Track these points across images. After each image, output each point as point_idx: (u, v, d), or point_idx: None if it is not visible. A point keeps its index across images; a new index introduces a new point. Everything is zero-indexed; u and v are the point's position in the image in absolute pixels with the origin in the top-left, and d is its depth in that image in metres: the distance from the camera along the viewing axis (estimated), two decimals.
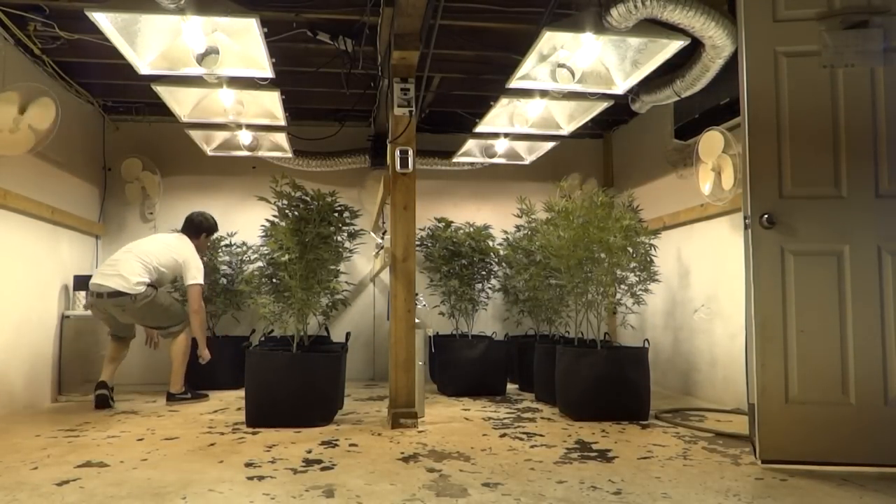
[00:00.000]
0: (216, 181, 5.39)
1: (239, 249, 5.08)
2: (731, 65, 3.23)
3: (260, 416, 3.42)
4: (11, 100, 3.42)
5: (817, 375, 2.55)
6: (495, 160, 5.23)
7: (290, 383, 3.42)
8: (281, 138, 4.74)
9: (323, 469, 2.56)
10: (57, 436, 3.20)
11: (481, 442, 3.05)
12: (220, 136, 4.82)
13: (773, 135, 2.63)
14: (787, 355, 2.57)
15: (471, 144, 5.02)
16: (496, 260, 4.95)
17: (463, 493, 2.23)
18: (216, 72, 3.26)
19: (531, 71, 3.40)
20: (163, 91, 3.78)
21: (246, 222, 5.18)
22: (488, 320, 5.48)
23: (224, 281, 4.96)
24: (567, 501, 2.14)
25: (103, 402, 3.98)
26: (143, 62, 3.23)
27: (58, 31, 3.62)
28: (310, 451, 2.85)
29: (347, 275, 4.75)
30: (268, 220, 3.70)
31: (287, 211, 3.57)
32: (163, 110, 4.27)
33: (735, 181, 3.66)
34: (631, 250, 3.81)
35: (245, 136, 4.71)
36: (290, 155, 5.04)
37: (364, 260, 5.45)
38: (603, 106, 3.95)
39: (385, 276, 4.95)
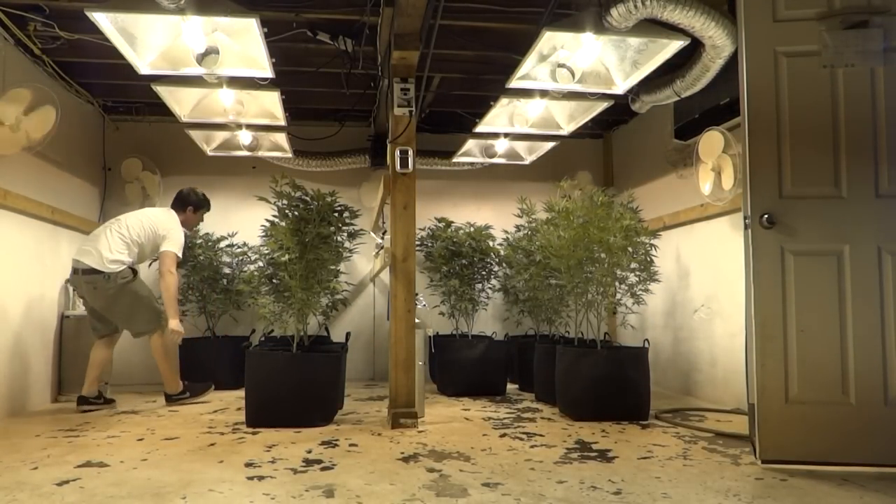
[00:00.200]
0: (216, 181, 5.39)
1: (239, 249, 5.08)
2: (731, 65, 3.23)
3: (260, 416, 3.42)
4: (22, 98, 3.42)
5: (817, 375, 2.55)
6: (495, 160, 5.23)
7: (290, 383, 3.42)
8: (281, 138, 4.73)
9: (323, 469, 2.56)
10: (57, 436, 3.20)
11: (481, 442, 3.05)
12: (220, 136, 4.82)
13: (773, 135, 2.63)
14: (787, 355, 2.57)
15: (471, 144, 5.02)
16: (496, 260, 4.95)
17: (463, 493, 2.23)
18: (216, 72, 3.26)
19: (531, 71, 3.40)
20: (163, 91, 3.78)
21: (246, 222, 5.17)
22: (488, 320, 5.48)
23: (224, 281, 4.96)
24: (567, 501, 2.14)
25: (89, 409, 3.91)
26: (143, 62, 3.23)
27: (58, 31, 3.62)
28: (310, 451, 2.85)
29: (347, 275, 4.75)
30: (268, 220, 3.70)
31: (287, 211, 3.57)
32: (163, 110, 4.27)
33: (735, 181, 3.66)
34: (631, 250, 3.81)
35: (245, 136, 4.71)
36: (290, 155, 5.04)
37: (364, 260, 5.45)
38: (603, 106, 3.95)
39: (385, 276, 4.95)
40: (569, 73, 3.37)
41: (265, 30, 2.96)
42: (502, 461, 2.68)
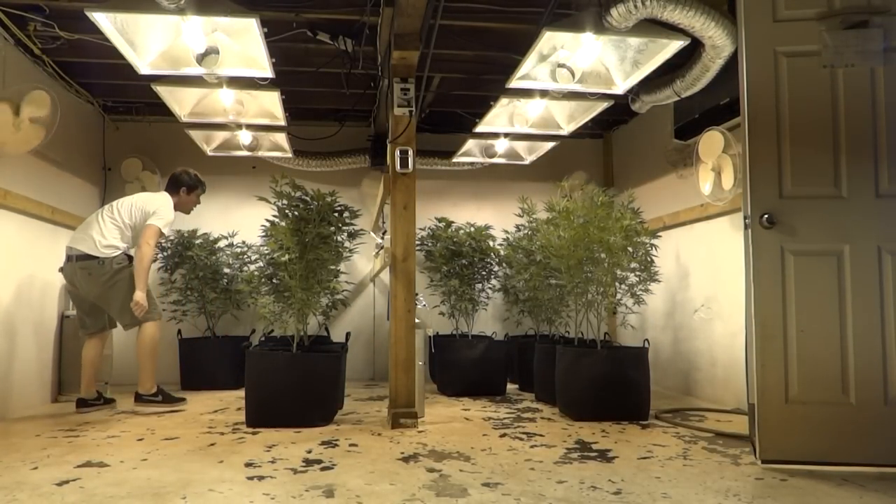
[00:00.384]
0: (216, 181, 5.38)
1: (238, 249, 5.08)
2: (731, 65, 3.23)
3: (260, 416, 3.42)
4: (4, 107, 3.42)
5: (817, 375, 2.55)
6: (495, 160, 5.23)
7: (290, 383, 3.42)
8: (281, 138, 4.74)
9: (323, 469, 2.56)
10: (57, 436, 3.20)
11: (481, 442, 3.05)
12: (220, 136, 4.82)
13: (773, 135, 2.63)
14: (787, 355, 2.57)
15: (471, 144, 5.02)
16: (496, 260, 4.95)
17: (463, 493, 2.23)
18: (216, 72, 3.26)
19: (531, 71, 3.40)
20: (163, 91, 3.78)
21: (246, 222, 5.18)
22: (488, 320, 5.48)
23: (224, 281, 4.96)
24: (567, 501, 2.14)
25: (88, 410, 3.86)
26: (143, 62, 3.23)
27: (58, 31, 3.62)
28: (310, 451, 2.85)
29: (347, 275, 4.75)
30: (268, 220, 3.70)
31: (287, 211, 3.57)
32: (163, 110, 4.27)
33: (735, 181, 3.66)
34: (631, 250, 3.81)
35: (245, 136, 4.71)
36: (290, 155, 5.04)
37: (364, 260, 5.45)
38: (603, 106, 3.95)
39: (385, 276, 4.96)
40: (569, 73, 3.37)
41: (265, 30, 2.96)
42: (502, 461, 2.68)
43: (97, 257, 3.79)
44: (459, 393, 4.58)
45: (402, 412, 3.38)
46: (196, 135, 4.66)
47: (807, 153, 2.61)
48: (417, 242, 4.16)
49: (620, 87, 3.53)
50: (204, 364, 4.83)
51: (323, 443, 3.03)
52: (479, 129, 4.57)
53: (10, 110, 3.40)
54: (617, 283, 3.91)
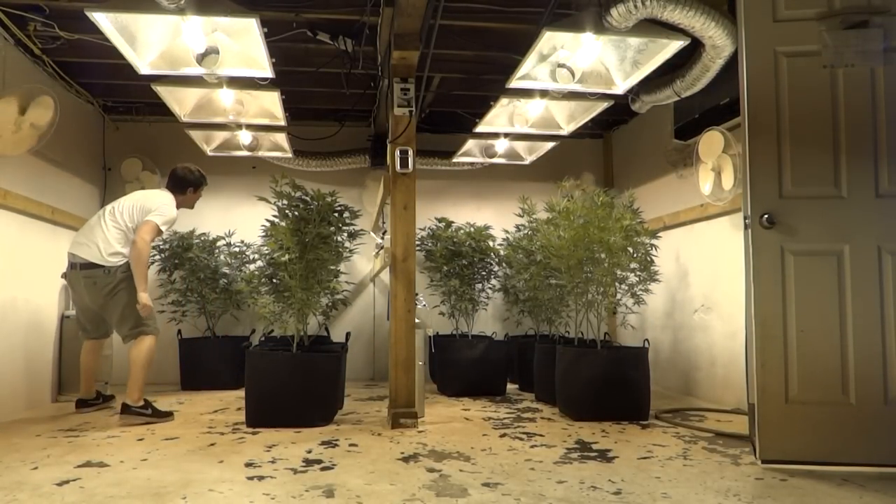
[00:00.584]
0: (216, 181, 5.37)
1: (236, 248, 5.08)
2: (731, 65, 3.23)
3: (260, 416, 3.42)
4: (10, 103, 3.43)
5: (817, 375, 2.55)
6: (495, 160, 5.23)
7: (290, 383, 3.42)
8: (281, 138, 4.74)
9: (323, 469, 2.56)
10: (57, 436, 3.20)
11: (481, 442, 3.05)
12: (220, 136, 4.82)
13: (773, 135, 2.63)
14: (787, 355, 2.57)
15: (471, 144, 5.03)
16: (496, 260, 4.95)
17: (463, 493, 2.23)
18: (216, 72, 3.26)
19: (531, 71, 3.40)
20: (163, 91, 3.78)
21: (246, 222, 5.18)
22: (488, 320, 5.48)
23: (223, 281, 4.96)
24: (567, 501, 2.14)
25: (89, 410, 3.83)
26: (143, 62, 3.23)
27: (58, 31, 3.62)
28: (310, 451, 2.85)
29: (347, 275, 4.75)
30: (268, 220, 3.70)
31: (287, 211, 3.57)
32: (163, 110, 4.27)
33: (735, 181, 3.66)
34: (631, 250, 3.81)
35: (245, 136, 4.71)
36: (290, 155, 5.04)
37: (364, 260, 5.45)
38: (603, 106, 3.95)
39: (385, 276, 4.95)
40: (569, 73, 3.37)
41: (265, 30, 2.96)
42: (502, 461, 2.68)
43: (102, 266, 3.63)
44: (459, 393, 4.58)
45: (402, 412, 3.38)
46: (196, 135, 4.66)
47: (807, 153, 2.61)
48: (417, 242, 4.16)
49: (620, 87, 3.53)
50: (204, 364, 4.82)
51: (323, 443, 3.03)
52: (479, 129, 4.57)
53: (17, 109, 3.40)
54: (617, 283, 3.91)
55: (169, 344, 4.88)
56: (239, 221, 5.25)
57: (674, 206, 4.75)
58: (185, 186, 4.03)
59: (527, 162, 5.28)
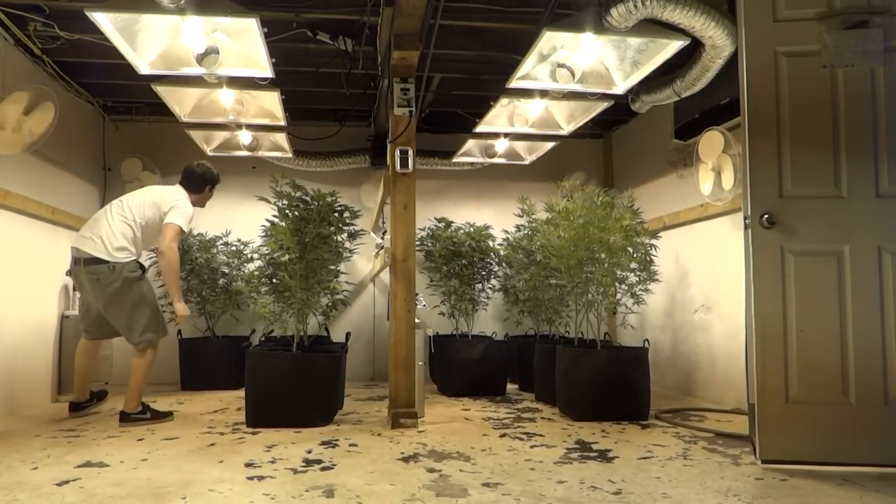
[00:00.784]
0: None
1: (234, 247, 5.07)
2: (731, 65, 3.23)
3: (260, 416, 3.42)
4: (21, 100, 3.42)
5: (817, 375, 2.55)
6: (495, 160, 5.23)
7: (290, 383, 3.42)
8: (281, 138, 4.74)
9: (323, 469, 2.56)
10: (57, 436, 3.20)
11: (481, 442, 3.05)
12: (220, 136, 4.82)
13: (773, 135, 2.63)
14: (787, 355, 2.57)
15: (471, 144, 5.03)
16: (496, 260, 4.95)
17: (463, 493, 2.23)
18: (216, 72, 3.26)
19: (531, 71, 3.40)
20: (163, 91, 3.78)
21: (246, 222, 5.18)
22: (488, 320, 5.48)
23: (222, 281, 4.95)
24: (567, 501, 2.14)
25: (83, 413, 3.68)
26: (143, 62, 3.23)
27: (58, 31, 3.62)
28: (310, 451, 2.85)
29: (347, 275, 4.75)
30: (268, 220, 3.70)
31: (287, 211, 3.57)
32: (163, 110, 4.27)
33: (735, 181, 3.66)
34: (631, 250, 3.81)
35: (245, 136, 4.71)
36: (290, 155, 5.04)
37: (364, 260, 5.45)
38: (603, 106, 3.95)
39: (385, 276, 4.96)
40: (569, 73, 3.37)
41: (265, 30, 2.96)
42: (502, 461, 2.68)
43: (107, 262, 3.46)
44: (459, 393, 4.58)
45: (402, 412, 3.38)
46: (196, 135, 4.66)
47: (807, 153, 2.61)
48: (417, 242, 4.15)
49: (620, 87, 3.53)
50: (204, 364, 4.82)
51: (323, 443, 3.03)
52: (479, 129, 4.57)
53: (22, 108, 3.40)
54: (617, 283, 3.91)
55: (169, 344, 4.87)
56: (239, 221, 5.25)
57: (674, 206, 4.75)
58: (204, 184, 3.90)
59: (527, 162, 5.28)
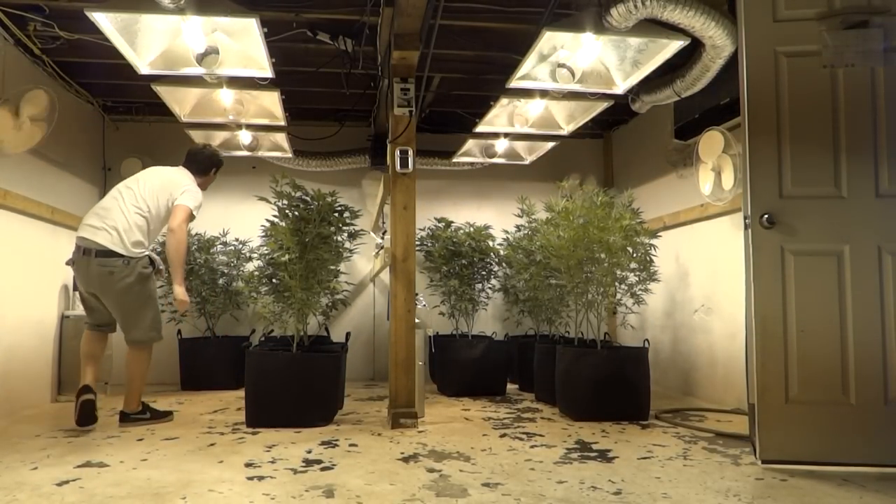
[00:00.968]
0: (216, 181, 5.37)
1: (233, 248, 5.07)
2: (731, 65, 3.23)
3: (260, 416, 3.42)
4: (7, 108, 3.43)
5: (817, 375, 2.55)
6: (495, 160, 5.23)
7: (290, 383, 3.42)
8: (281, 138, 4.74)
9: (323, 469, 2.55)
10: (57, 436, 3.20)
11: (481, 442, 3.05)
12: (220, 136, 4.82)
13: (773, 135, 2.63)
14: (787, 355, 2.57)
15: (471, 144, 5.03)
16: (496, 260, 4.95)
17: (463, 493, 2.23)
18: (216, 72, 3.26)
19: (531, 71, 3.40)
20: (163, 91, 3.78)
21: (246, 222, 5.17)
22: (488, 320, 5.48)
23: (221, 281, 4.95)
24: (567, 501, 2.14)
25: (89, 413, 3.25)
26: (143, 62, 3.23)
27: (58, 31, 3.62)
28: (310, 451, 2.85)
29: (347, 275, 4.74)
30: (268, 220, 3.70)
31: (287, 211, 3.57)
32: (163, 110, 4.27)
33: (735, 181, 3.66)
34: (631, 250, 3.81)
35: (245, 136, 4.71)
36: (290, 155, 5.04)
37: (364, 260, 5.45)
38: (603, 106, 3.95)
39: (385, 276, 4.95)
40: (569, 73, 3.37)
41: (265, 30, 2.96)
42: (502, 461, 2.68)
43: (122, 255, 3.31)
44: (459, 393, 4.58)
45: (402, 412, 3.38)
46: (196, 135, 4.66)
47: (807, 153, 2.61)
48: (417, 242, 4.15)
49: (620, 87, 3.53)
50: (204, 364, 4.82)
51: (323, 443, 3.03)
52: (479, 129, 4.57)
53: (10, 114, 3.41)
54: (617, 283, 3.91)
55: (169, 344, 4.87)
56: (238, 221, 5.24)
57: (674, 206, 4.75)
58: (209, 167, 3.81)
59: (527, 162, 5.28)
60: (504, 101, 4.00)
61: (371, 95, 4.63)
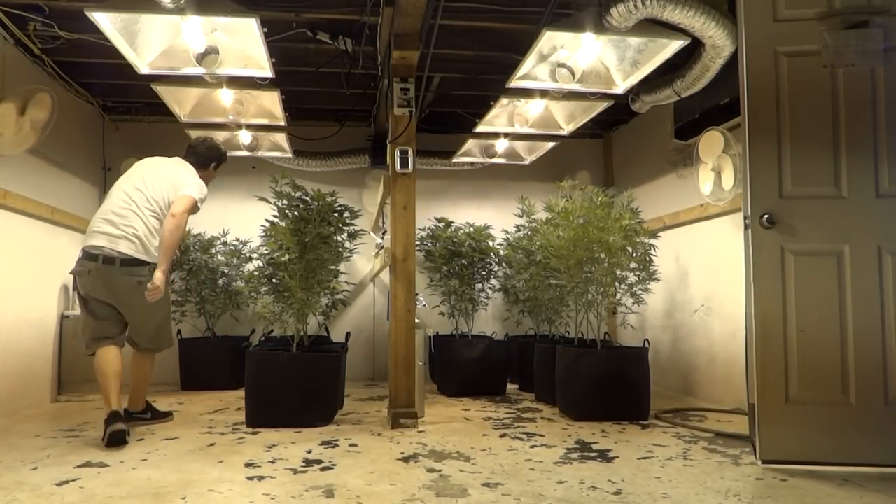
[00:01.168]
0: (216, 181, 5.30)
1: (233, 248, 5.07)
2: (731, 65, 3.23)
3: (260, 416, 3.42)
4: (10, 107, 3.43)
5: (817, 375, 2.55)
6: (495, 160, 5.23)
7: (290, 383, 3.42)
8: (281, 138, 4.74)
9: (323, 469, 2.55)
10: (57, 436, 3.20)
11: (481, 442, 3.05)
12: (220, 136, 4.81)
13: (773, 135, 2.63)
14: (787, 355, 2.57)
15: (471, 144, 5.03)
16: (496, 260, 4.95)
17: (463, 493, 2.23)
18: (216, 72, 3.26)
19: (531, 71, 3.40)
20: (163, 91, 3.78)
21: (245, 222, 5.17)
22: (488, 320, 5.48)
23: (221, 281, 4.95)
24: (567, 501, 2.14)
25: (120, 440, 2.95)
26: (143, 62, 3.23)
27: (58, 31, 3.62)
28: (310, 451, 2.85)
29: (347, 275, 4.75)
30: (268, 220, 3.70)
31: (287, 211, 3.57)
32: (163, 110, 4.27)
33: (735, 181, 3.66)
34: (631, 250, 3.81)
35: (245, 136, 4.71)
36: (290, 155, 5.04)
37: (364, 260, 5.45)
38: (603, 106, 3.95)
39: (385, 276, 4.95)
40: (569, 72, 3.37)
41: (265, 30, 2.96)
42: (502, 461, 2.68)
43: (149, 263, 3.23)
44: (459, 393, 4.58)
45: (402, 412, 3.38)
46: (196, 135, 4.64)
47: (807, 153, 2.61)
48: (417, 242, 4.16)
49: (620, 87, 3.53)
50: (204, 364, 4.82)
51: (323, 443, 3.03)
52: (479, 129, 4.57)
53: (16, 110, 3.41)
54: (617, 283, 3.91)
55: None
56: (238, 221, 5.24)
57: (674, 206, 4.75)
58: (210, 161, 3.71)
59: (527, 162, 5.28)
60: (504, 101, 4.00)
61: (371, 95, 4.63)
